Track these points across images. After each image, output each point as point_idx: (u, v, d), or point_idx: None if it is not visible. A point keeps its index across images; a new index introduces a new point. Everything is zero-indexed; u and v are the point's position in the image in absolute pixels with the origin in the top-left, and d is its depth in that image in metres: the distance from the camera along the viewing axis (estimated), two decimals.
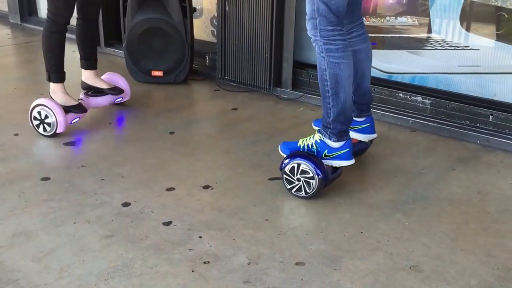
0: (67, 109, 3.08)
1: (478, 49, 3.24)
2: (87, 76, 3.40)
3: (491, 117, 3.15)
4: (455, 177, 2.73)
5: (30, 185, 2.56)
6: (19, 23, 5.92)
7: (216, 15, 4.09)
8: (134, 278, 1.93)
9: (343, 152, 2.45)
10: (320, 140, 2.46)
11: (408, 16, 3.48)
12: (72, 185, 2.58)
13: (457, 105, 3.25)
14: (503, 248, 2.15)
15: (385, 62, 3.58)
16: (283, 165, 2.48)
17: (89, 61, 3.37)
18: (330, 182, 2.50)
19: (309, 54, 3.81)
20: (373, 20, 3.59)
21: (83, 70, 3.40)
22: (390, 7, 3.56)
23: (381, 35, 3.59)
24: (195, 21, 4.12)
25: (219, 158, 2.90)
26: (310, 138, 2.51)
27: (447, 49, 3.35)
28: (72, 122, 3.15)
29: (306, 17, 2.38)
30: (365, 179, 2.69)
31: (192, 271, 1.98)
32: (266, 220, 2.32)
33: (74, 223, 2.26)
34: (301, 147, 2.51)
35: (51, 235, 2.17)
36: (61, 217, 2.30)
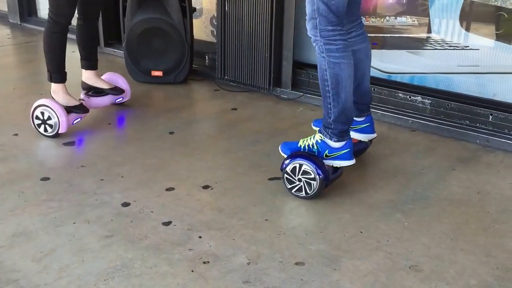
0: (69, 110, 3.08)
1: (478, 49, 3.24)
2: (88, 77, 3.39)
3: (491, 117, 3.15)
4: (455, 177, 2.73)
5: (30, 185, 2.56)
6: (18, 23, 5.91)
7: (215, 15, 4.09)
8: (133, 278, 1.93)
9: (344, 152, 2.45)
10: (321, 140, 2.46)
11: (407, 16, 3.48)
12: (71, 185, 2.58)
13: (456, 105, 3.25)
14: (502, 248, 2.15)
15: (385, 62, 3.58)
16: (284, 165, 2.48)
17: (89, 61, 3.37)
18: (331, 183, 2.50)
19: (308, 54, 3.80)
20: (373, 20, 3.59)
21: (83, 70, 3.39)
22: (390, 7, 3.56)
23: (381, 35, 3.59)
24: (194, 21, 4.12)
25: (218, 158, 2.90)
26: (310, 138, 2.51)
27: (446, 49, 3.35)
28: (74, 122, 3.15)
29: (306, 17, 2.38)
30: (365, 179, 2.69)
31: (192, 271, 1.98)
32: (266, 220, 2.32)
33: (74, 223, 2.26)
34: (302, 148, 2.51)
35: (50, 235, 2.17)
36: (60, 217, 2.30)
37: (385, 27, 3.56)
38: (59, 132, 3.05)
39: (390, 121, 3.40)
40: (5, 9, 6.05)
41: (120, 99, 3.51)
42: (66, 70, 3.12)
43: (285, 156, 2.52)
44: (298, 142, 2.54)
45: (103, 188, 2.55)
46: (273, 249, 2.12)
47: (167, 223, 2.27)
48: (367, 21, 3.58)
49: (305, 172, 2.41)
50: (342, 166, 2.50)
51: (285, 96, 3.82)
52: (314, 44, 2.40)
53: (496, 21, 3.19)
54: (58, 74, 3.09)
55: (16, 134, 3.13)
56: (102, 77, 3.48)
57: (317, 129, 2.77)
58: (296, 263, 2.03)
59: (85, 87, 3.42)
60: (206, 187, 2.59)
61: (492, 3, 3.17)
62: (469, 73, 3.28)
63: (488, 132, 3.11)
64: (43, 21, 5.73)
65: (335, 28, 2.33)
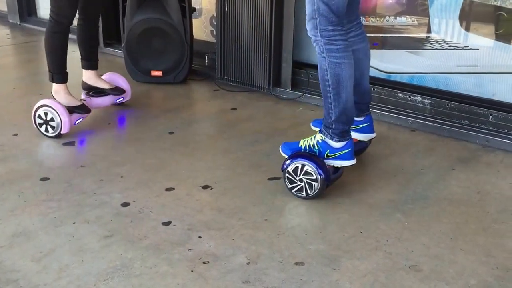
0: (71, 110, 3.08)
1: (478, 49, 3.24)
2: (89, 77, 3.39)
3: (490, 117, 3.15)
4: (455, 177, 2.73)
5: (30, 185, 2.56)
6: (18, 23, 5.91)
7: (215, 15, 4.09)
8: (133, 278, 1.93)
9: (345, 152, 2.45)
10: (322, 140, 2.46)
11: (407, 16, 3.48)
12: (71, 185, 2.58)
13: (456, 105, 3.25)
14: (502, 248, 2.15)
15: (385, 62, 3.58)
16: (285, 165, 2.47)
17: (90, 62, 3.36)
18: (332, 183, 2.50)
19: (308, 54, 3.81)
20: (373, 20, 3.59)
21: (84, 70, 3.39)
22: (390, 7, 3.56)
23: (381, 35, 3.59)
24: (194, 21, 4.11)
25: (218, 158, 2.90)
26: (311, 138, 2.51)
27: (446, 48, 3.35)
28: (76, 122, 3.15)
29: (306, 17, 2.38)
30: (365, 179, 2.69)
31: (192, 271, 1.98)
32: (265, 220, 2.32)
33: (74, 223, 2.26)
34: (303, 148, 2.51)
35: (50, 235, 2.17)
36: (60, 217, 2.30)
37: (384, 27, 3.56)
38: (62, 132, 3.04)
39: (390, 121, 3.40)
40: (5, 9, 6.05)
41: (121, 99, 3.51)
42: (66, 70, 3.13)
43: (286, 156, 2.52)
44: (298, 143, 2.54)
45: (102, 188, 2.55)
46: (273, 249, 2.12)
47: (166, 223, 2.27)
48: (366, 21, 3.58)
49: (307, 173, 2.41)
50: (343, 166, 2.50)
51: (284, 96, 3.82)
52: (314, 44, 2.39)
53: (496, 21, 3.19)
54: (59, 74, 3.09)
55: (15, 134, 3.13)
56: (102, 77, 3.48)
57: (316, 129, 2.78)
58: (296, 263, 2.03)
59: (85, 87, 3.41)
60: (205, 187, 2.58)
61: (492, 3, 3.17)
62: (468, 73, 3.28)
63: (487, 132, 3.11)
64: (43, 21, 5.75)
65: (335, 28, 2.32)
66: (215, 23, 4.10)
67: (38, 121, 3.07)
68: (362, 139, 2.79)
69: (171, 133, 3.21)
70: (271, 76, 3.79)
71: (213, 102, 3.79)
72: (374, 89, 3.48)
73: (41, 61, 4.85)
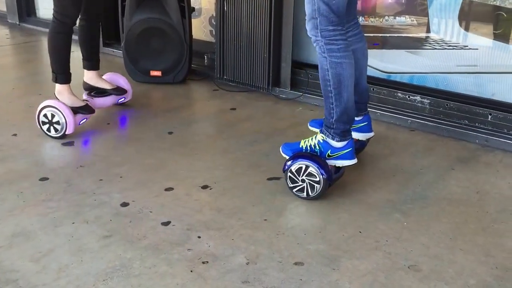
0: (75, 110, 3.08)
1: (477, 49, 3.24)
2: (90, 77, 3.38)
3: (490, 116, 3.15)
4: (454, 177, 2.73)
5: (29, 185, 2.56)
6: (17, 23, 5.91)
7: (214, 15, 4.09)
8: (132, 278, 1.93)
9: (346, 152, 2.45)
10: (323, 140, 2.46)
11: (406, 16, 3.48)
12: (70, 185, 2.57)
13: (455, 105, 3.25)
14: (502, 247, 2.15)
15: (384, 62, 3.58)
16: (287, 166, 2.47)
17: (91, 62, 3.36)
18: (333, 182, 2.50)
19: (307, 54, 3.81)
20: (372, 19, 3.59)
21: (85, 70, 3.38)
22: (389, 7, 3.56)
23: (380, 34, 3.59)
24: (193, 21, 4.11)
25: (217, 158, 2.90)
26: (312, 138, 2.51)
27: (445, 48, 3.35)
28: (80, 123, 3.15)
29: (306, 17, 2.38)
30: (364, 179, 2.69)
31: (191, 271, 1.98)
32: (265, 220, 2.31)
33: (73, 223, 2.26)
34: (304, 148, 2.50)
35: (49, 236, 2.17)
36: (59, 217, 2.30)
37: (384, 27, 3.56)
38: (66, 133, 3.04)
39: (389, 120, 3.40)
40: (4, 9, 6.05)
41: (122, 99, 3.51)
42: None
43: (287, 157, 2.51)
44: (299, 143, 2.53)
45: (102, 188, 2.55)
46: (272, 249, 2.11)
47: (166, 223, 2.27)
48: (366, 20, 3.58)
49: (310, 174, 2.41)
50: (344, 166, 2.50)
51: (284, 96, 3.82)
52: (314, 45, 2.39)
53: (495, 21, 3.19)
54: (63, 74, 3.08)
55: (15, 134, 3.12)
56: (103, 77, 3.47)
57: (313, 129, 2.79)
58: (295, 263, 2.03)
59: (87, 87, 3.40)
60: (205, 187, 2.58)
61: (491, 3, 3.17)
62: (468, 72, 3.28)
63: (487, 132, 3.11)
64: (42, 21, 5.75)
65: (336, 28, 2.32)
66: (214, 23, 4.10)
67: (43, 123, 3.06)
68: (360, 138, 2.79)
69: (170, 133, 3.21)
70: (270, 76, 3.79)
71: (212, 102, 3.79)
72: (373, 89, 3.48)
73: (40, 61, 4.85)
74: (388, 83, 3.54)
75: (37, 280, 1.91)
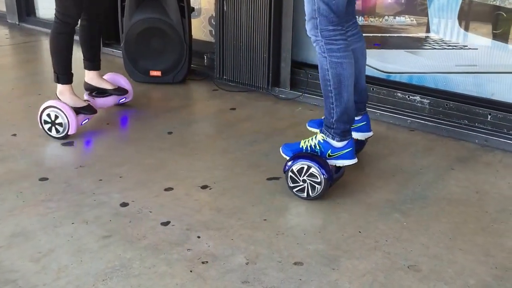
0: (77, 111, 3.07)
1: (477, 49, 3.24)
2: (91, 77, 3.38)
3: (489, 116, 3.15)
4: (454, 177, 2.73)
5: (28, 186, 2.56)
6: (17, 23, 5.91)
7: (214, 15, 4.09)
8: (132, 278, 1.93)
9: (347, 152, 2.45)
10: (323, 140, 2.46)
11: (406, 16, 3.48)
12: (70, 185, 2.57)
13: (455, 105, 3.25)
14: (501, 247, 2.15)
15: (384, 62, 3.58)
16: (287, 166, 2.46)
17: (93, 62, 3.35)
18: (334, 182, 2.50)
19: (307, 54, 3.81)
20: (372, 19, 3.59)
21: (86, 71, 3.37)
22: (389, 7, 3.56)
23: (380, 34, 3.59)
24: (193, 21, 4.11)
25: (217, 158, 2.90)
26: (312, 138, 2.51)
27: (445, 48, 3.35)
28: (83, 123, 3.15)
29: (306, 17, 2.38)
30: (364, 179, 2.69)
31: (190, 271, 1.98)
32: (264, 220, 2.31)
33: (72, 223, 2.26)
34: (304, 149, 2.50)
35: (49, 236, 2.17)
36: (59, 217, 2.30)
37: (384, 26, 3.56)
38: (69, 133, 3.04)
39: (389, 120, 3.40)
40: (4, 9, 6.05)
41: (123, 99, 3.51)
42: None
43: (287, 158, 2.51)
44: (299, 143, 2.53)
45: (101, 188, 2.55)
46: (272, 249, 2.11)
47: (165, 223, 2.27)
48: (366, 20, 3.58)
49: (311, 175, 2.41)
50: (345, 166, 2.50)
51: (283, 96, 3.82)
52: (314, 44, 2.39)
53: (495, 21, 3.19)
54: (65, 75, 3.07)
55: (14, 135, 3.12)
56: (104, 77, 3.47)
57: (312, 129, 2.79)
58: (295, 263, 2.03)
59: (88, 87, 3.40)
60: (204, 187, 2.58)
61: (491, 3, 3.17)
62: (467, 72, 3.28)
63: (486, 132, 3.11)
64: (42, 21, 5.75)
65: (336, 28, 2.32)
66: (214, 23, 4.10)
67: (45, 123, 3.05)
68: (359, 138, 2.79)
69: (170, 133, 3.21)
70: (270, 76, 3.79)
71: (212, 102, 3.79)
72: (373, 89, 3.48)
73: (40, 61, 4.86)
74: (387, 83, 3.54)
75: (37, 280, 1.91)
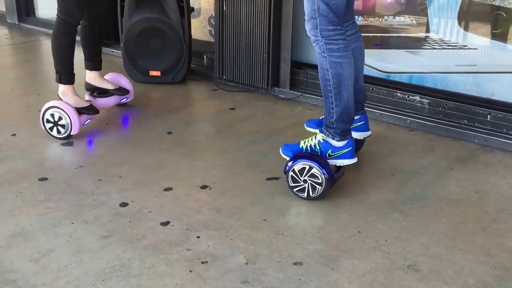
0: (79, 111, 3.07)
1: (476, 49, 3.24)
2: (93, 77, 3.37)
3: (489, 116, 3.15)
4: (453, 177, 2.73)
5: (28, 186, 2.56)
6: (16, 23, 5.91)
7: (214, 15, 4.09)
8: (131, 278, 1.93)
9: (347, 151, 2.45)
10: (323, 140, 2.46)
11: (406, 16, 3.48)
12: (69, 185, 2.57)
13: (455, 105, 3.25)
14: (501, 247, 2.15)
15: (383, 62, 3.58)
16: (288, 167, 2.46)
17: (94, 62, 3.34)
18: (335, 182, 2.49)
19: (307, 54, 3.81)
20: (371, 19, 3.59)
21: (87, 71, 3.36)
22: (389, 7, 3.56)
23: (379, 34, 3.59)
24: (192, 21, 4.11)
25: (217, 158, 2.90)
26: (312, 138, 2.51)
27: (445, 48, 3.35)
28: (85, 123, 3.14)
29: (305, 17, 2.38)
30: (363, 179, 2.69)
31: (190, 271, 1.98)
32: (264, 220, 2.31)
33: (72, 223, 2.26)
34: (304, 149, 2.50)
35: (48, 236, 2.17)
36: (58, 217, 2.30)
37: (383, 26, 3.56)
38: (71, 133, 3.03)
39: (389, 120, 3.40)
40: (3, 9, 6.05)
41: (125, 99, 3.51)
42: None
43: (287, 158, 2.51)
44: (299, 144, 2.53)
45: (101, 188, 2.55)
46: (271, 249, 2.11)
47: (165, 223, 2.27)
48: (365, 20, 3.58)
49: (313, 175, 2.40)
50: (345, 165, 2.50)
51: (283, 96, 3.82)
52: (314, 44, 2.39)
53: (494, 21, 3.19)
54: (67, 75, 3.07)
55: (14, 135, 3.12)
56: (105, 77, 3.46)
57: (310, 129, 2.79)
58: (294, 263, 2.03)
59: (89, 88, 3.39)
60: (204, 187, 2.58)
61: (490, 3, 3.17)
62: (467, 72, 3.28)
63: (486, 132, 3.11)
64: (41, 21, 5.75)
65: (335, 28, 2.32)
66: (214, 23, 4.10)
67: (48, 124, 3.05)
68: (358, 138, 2.79)
69: (169, 133, 3.20)
70: (269, 76, 3.79)
71: (211, 102, 3.79)
72: (372, 89, 3.48)
73: (40, 61, 4.86)
74: (387, 83, 3.53)
75: (36, 280, 1.91)
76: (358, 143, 2.83)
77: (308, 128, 2.83)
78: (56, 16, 2.99)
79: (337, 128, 2.42)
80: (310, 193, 2.43)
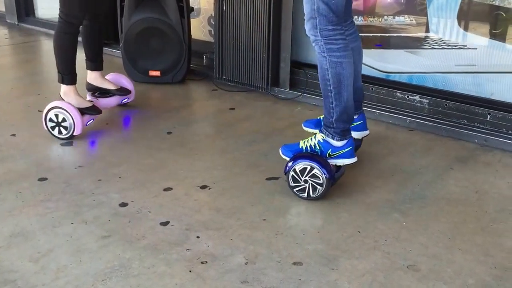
0: (82, 111, 3.06)
1: (476, 48, 3.24)
2: (94, 77, 3.36)
3: (488, 116, 3.15)
4: (453, 177, 2.73)
5: (28, 186, 2.56)
6: (16, 23, 5.91)
7: (213, 15, 4.09)
8: (131, 278, 1.93)
9: (347, 151, 2.46)
10: (323, 140, 2.46)
11: (406, 16, 3.48)
12: (69, 185, 2.57)
13: (454, 105, 3.25)
14: (500, 247, 2.15)
15: (383, 62, 3.58)
16: (288, 167, 2.46)
17: (95, 62, 3.34)
18: (335, 182, 2.49)
19: (306, 54, 3.81)
20: (371, 19, 3.59)
21: (89, 71, 3.36)
22: (388, 7, 3.56)
23: (379, 34, 3.59)
24: (192, 21, 4.12)
25: (216, 158, 2.90)
26: (312, 138, 2.51)
27: (444, 48, 3.35)
28: (88, 123, 3.14)
29: (305, 17, 2.38)
30: (363, 179, 2.69)
31: (190, 271, 1.98)
32: (264, 220, 2.31)
33: (71, 223, 2.26)
34: (304, 149, 2.50)
35: (48, 236, 2.17)
36: (58, 217, 2.30)
37: (383, 26, 3.56)
38: (74, 134, 3.03)
39: (388, 120, 3.40)
40: (3, 9, 6.05)
41: (126, 99, 3.51)
42: None
43: (287, 159, 2.51)
44: (299, 144, 2.53)
45: (100, 188, 2.55)
46: (271, 249, 2.11)
47: (165, 223, 2.27)
48: (365, 20, 3.58)
49: (314, 176, 2.40)
50: (345, 165, 2.50)
51: (283, 96, 3.82)
52: (314, 44, 2.39)
53: (494, 21, 3.19)
54: (69, 75, 3.06)
55: (13, 135, 3.12)
56: (106, 77, 3.46)
57: (308, 129, 2.79)
58: (294, 263, 2.03)
59: (90, 88, 3.38)
60: (204, 187, 2.58)
61: (490, 3, 3.17)
62: (467, 72, 3.28)
63: (486, 132, 3.11)
64: (41, 21, 5.75)
65: (335, 28, 2.32)
66: (213, 23, 4.10)
67: (50, 123, 3.04)
68: (356, 137, 2.78)
69: (169, 133, 3.20)
70: (269, 76, 3.79)
71: (211, 102, 3.79)
72: (372, 89, 3.48)
73: (39, 61, 4.86)
74: (387, 83, 3.54)
75: (36, 280, 1.91)
76: (356, 143, 2.83)
77: (305, 128, 2.83)
78: (58, 16, 2.99)
79: (337, 128, 2.42)
80: (311, 193, 2.43)
